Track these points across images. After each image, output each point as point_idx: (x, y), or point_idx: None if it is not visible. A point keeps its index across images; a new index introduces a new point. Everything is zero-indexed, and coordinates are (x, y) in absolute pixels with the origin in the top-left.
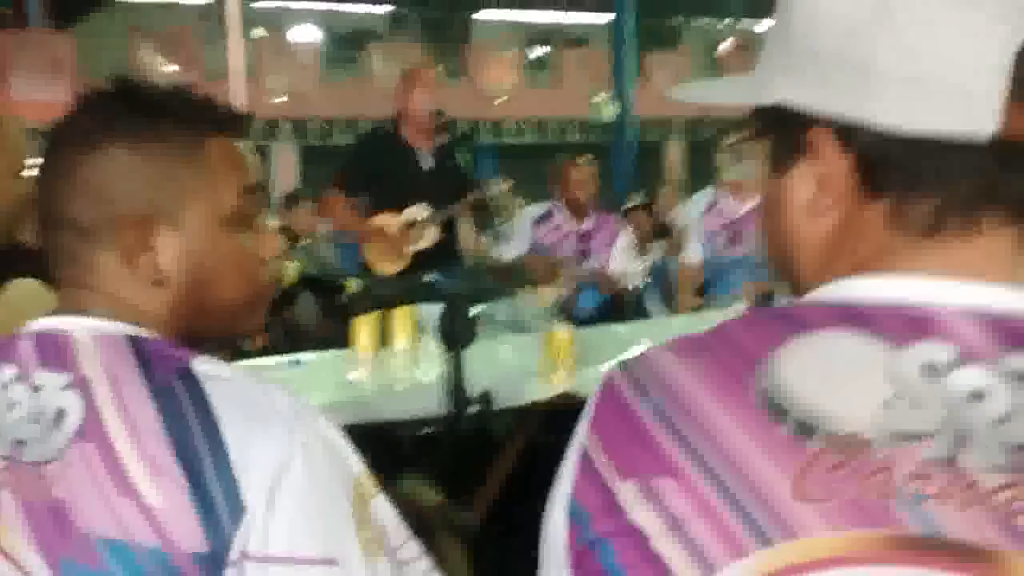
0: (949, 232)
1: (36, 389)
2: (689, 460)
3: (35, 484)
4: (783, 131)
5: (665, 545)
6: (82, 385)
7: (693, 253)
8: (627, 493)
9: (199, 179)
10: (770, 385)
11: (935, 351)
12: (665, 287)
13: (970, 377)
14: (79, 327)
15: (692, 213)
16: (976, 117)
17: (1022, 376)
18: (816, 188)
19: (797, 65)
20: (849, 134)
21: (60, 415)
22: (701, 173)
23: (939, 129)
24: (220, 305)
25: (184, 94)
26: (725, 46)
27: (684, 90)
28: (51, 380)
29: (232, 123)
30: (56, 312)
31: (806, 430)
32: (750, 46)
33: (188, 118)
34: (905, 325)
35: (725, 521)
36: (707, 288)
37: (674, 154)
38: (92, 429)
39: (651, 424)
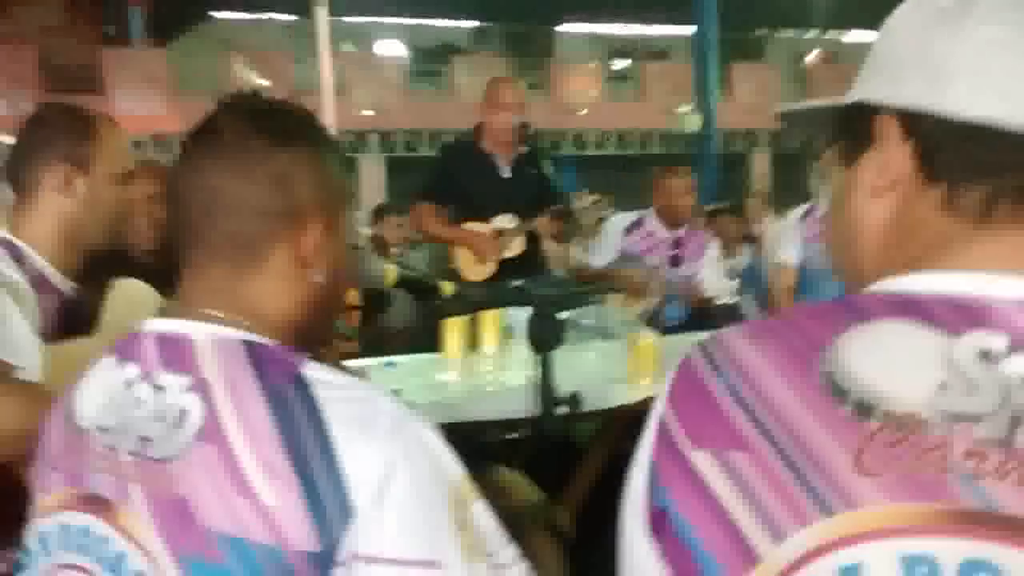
0: (999, 220)
1: (159, 389)
2: (758, 434)
3: (160, 480)
4: (855, 125)
5: (737, 511)
6: (202, 388)
7: (787, 255)
8: (701, 462)
9: (348, 187)
10: (833, 368)
11: (990, 339)
12: (759, 292)
13: None
14: (198, 331)
15: (790, 217)
16: None
17: None
18: (879, 168)
19: (874, 68)
20: (913, 121)
21: (182, 416)
22: (786, 185)
23: (995, 116)
24: (338, 304)
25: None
26: (812, 57)
27: (784, 105)
28: (173, 381)
29: None
30: (174, 313)
31: (865, 409)
32: (836, 57)
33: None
34: (960, 315)
35: (791, 492)
36: (801, 295)
37: (760, 166)
38: (211, 431)
39: (724, 400)
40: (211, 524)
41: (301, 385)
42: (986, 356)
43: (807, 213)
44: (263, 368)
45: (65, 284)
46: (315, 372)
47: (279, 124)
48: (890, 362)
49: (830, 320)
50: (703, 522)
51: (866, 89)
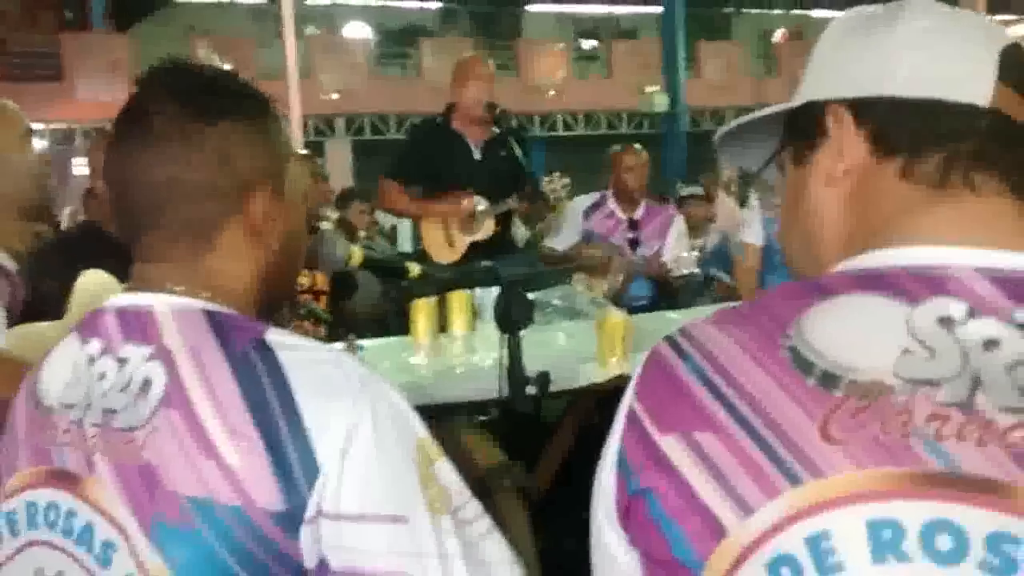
0: (955, 185)
1: (122, 361)
2: (726, 414)
3: (126, 449)
4: (805, 124)
5: (706, 491)
6: (164, 356)
7: (751, 236)
8: (670, 446)
9: (288, 151)
10: (798, 343)
11: (950, 305)
12: (725, 270)
13: (984, 327)
14: (158, 302)
15: (752, 198)
16: (972, 91)
17: None
18: (834, 157)
19: (817, 71)
20: (864, 108)
21: (146, 384)
22: None
23: (939, 94)
24: (293, 271)
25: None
26: (779, 34)
27: (726, 127)
28: (135, 352)
29: None
30: (133, 288)
31: (831, 380)
32: (803, 34)
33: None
34: (921, 285)
35: (759, 466)
36: (765, 276)
37: None
38: (176, 397)
39: (690, 383)
40: (178, 488)
41: (264, 349)
42: (946, 322)
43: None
44: (225, 334)
45: (11, 263)
46: (278, 336)
47: (209, 99)
48: (853, 333)
49: (795, 299)
50: (673, 503)
51: (813, 90)
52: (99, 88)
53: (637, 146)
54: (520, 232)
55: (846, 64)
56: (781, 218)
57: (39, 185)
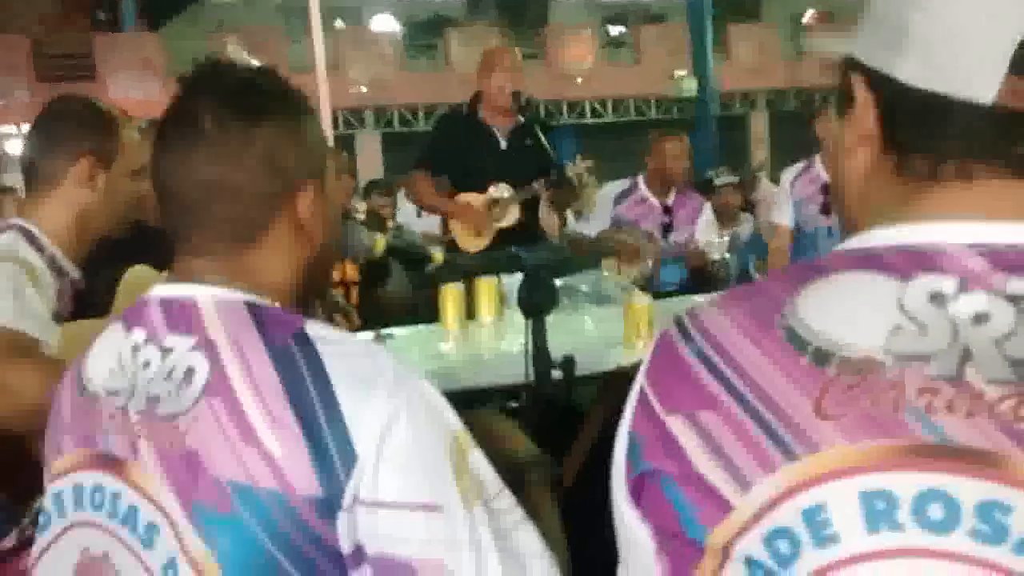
0: (945, 179)
1: (166, 351)
2: (726, 393)
3: (169, 435)
4: (843, 80)
5: (708, 468)
6: (208, 346)
7: (780, 216)
8: (675, 424)
9: (327, 146)
10: (793, 321)
11: (941, 281)
12: (761, 257)
13: (974, 302)
14: (201, 293)
15: (785, 178)
16: (979, 85)
17: (1022, 298)
18: (855, 121)
19: (863, 26)
20: (879, 83)
21: (189, 373)
22: (785, 145)
23: (947, 91)
24: (330, 263)
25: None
26: (809, 15)
27: (814, 41)
28: (179, 342)
29: None
30: (176, 279)
31: (824, 357)
32: (834, 14)
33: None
34: (912, 262)
35: (757, 441)
36: (798, 255)
37: (758, 127)
38: (219, 386)
39: (694, 364)
40: (220, 473)
41: (304, 341)
42: (936, 298)
43: (800, 173)
44: (266, 326)
45: (75, 271)
46: (317, 330)
47: (254, 100)
48: (845, 310)
49: (792, 279)
50: (679, 480)
51: (854, 43)
52: (131, 86)
53: (678, 131)
54: (548, 219)
55: (876, 20)
56: (828, 163)
57: (128, 220)
